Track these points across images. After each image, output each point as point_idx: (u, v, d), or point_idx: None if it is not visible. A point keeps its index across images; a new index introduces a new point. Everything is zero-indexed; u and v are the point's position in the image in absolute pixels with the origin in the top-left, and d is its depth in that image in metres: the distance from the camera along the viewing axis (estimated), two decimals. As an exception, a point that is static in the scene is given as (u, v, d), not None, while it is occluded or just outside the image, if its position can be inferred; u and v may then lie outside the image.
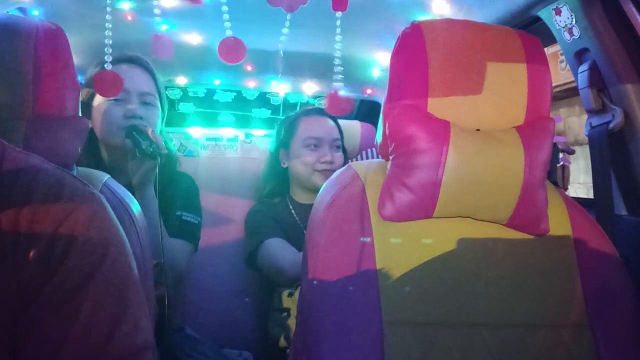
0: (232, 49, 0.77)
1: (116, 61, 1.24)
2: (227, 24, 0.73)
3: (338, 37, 0.72)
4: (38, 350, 0.54)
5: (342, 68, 0.74)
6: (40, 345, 0.54)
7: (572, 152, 1.23)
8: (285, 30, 0.72)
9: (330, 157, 1.49)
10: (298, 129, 1.55)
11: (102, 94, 1.12)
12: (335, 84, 0.76)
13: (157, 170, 1.14)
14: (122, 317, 0.58)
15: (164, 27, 1.41)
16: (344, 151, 1.65)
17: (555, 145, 1.17)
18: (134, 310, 0.60)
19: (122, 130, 1.19)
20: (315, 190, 1.45)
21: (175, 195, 1.31)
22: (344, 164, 1.56)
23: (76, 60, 0.89)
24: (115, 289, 0.59)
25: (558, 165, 1.20)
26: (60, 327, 0.55)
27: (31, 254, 0.55)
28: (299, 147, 1.53)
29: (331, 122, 1.58)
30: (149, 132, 1.17)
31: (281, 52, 0.73)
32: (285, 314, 1.33)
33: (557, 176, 1.13)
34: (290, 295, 1.32)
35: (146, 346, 0.60)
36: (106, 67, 0.84)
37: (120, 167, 1.23)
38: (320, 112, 1.61)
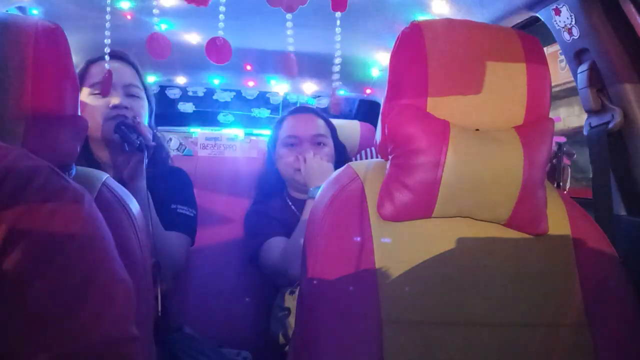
0: (220, 50, 0.77)
1: (98, 59, 1.25)
2: (221, 24, 0.73)
3: (338, 37, 0.72)
4: (16, 348, 0.54)
5: (339, 68, 0.75)
6: (18, 344, 0.54)
7: (572, 155, 1.23)
8: (289, 32, 0.72)
9: (310, 154, 1.48)
10: (280, 130, 1.56)
11: (103, 94, 1.13)
12: (335, 84, 0.77)
13: (147, 162, 1.15)
14: (103, 311, 0.58)
15: (163, 27, 1.41)
16: (342, 147, 1.65)
17: (560, 146, 1.17)
18: (116, 303, 0.60)
19: (108, 123, 1.20)
20: (305, 188, 1.45)
21: (169, 189, 1.31)
22: (343, 162, 1.56)
23: (75, 59, 0.89)
24: (97, 285, 0.59)
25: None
26: (36, 325, 0.55)
27: (14, 253, 0.54)
28: (280, 147, 1.54)
29: (315, 119, 1.56)
30: (137, 124, 1.18)
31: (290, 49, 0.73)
32: (286, 312, 1.33)
33: (561, 177, 1.14)
34: (292, 293, 1.32)
35: (129, 338, 0.60)
36: (106, 67, 0.84)
37: (110, 162, 1.24)
38: (305, 110, 1.61)
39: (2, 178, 0.57)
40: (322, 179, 1.39)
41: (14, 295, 0.55)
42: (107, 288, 0.61)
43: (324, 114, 1.62)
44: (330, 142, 1.56)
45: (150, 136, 1.20)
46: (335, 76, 0.75)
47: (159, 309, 1.01)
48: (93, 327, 0.57)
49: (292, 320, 1.31)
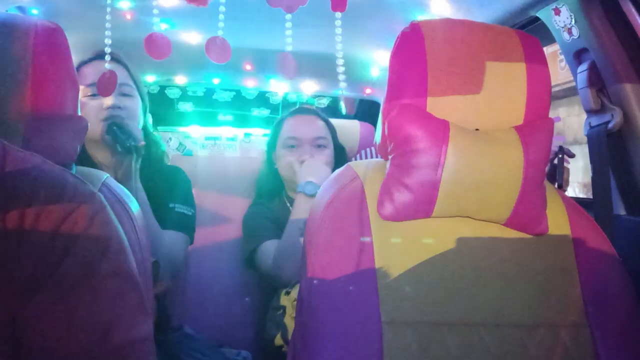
0: (219, 49, 0.77)
1: (88, 60, 1.26)
2: (221, 24, 0.73)
3: (338, 38, 0.71)
4: (38, 343, 0.56)
5: (343, 68, 0.75)
6: (39, 339, 0.56)
7: (572, 156, 1.23)
8: (288, 32, 0.72)
9: (309, 157, 1.48)
10: (281, 130, 1.56)
11: (106, 94, 1.13)
12: (342, 85, 0.77)
13: (139, 163, 1.17)
14: (120, 311, 0.60)
15: (163, 27, 1.41)
16: (341, 149, 1.64)
17: (561, 148, 1.18)
18: (132, 305, 0.62)
19: (102, 123, 1.21)
20: None
21: (168, 188, 1.32)
22: (342, 162, 1.56)
23: (75, 59, 0.89)
24: (114, 285, 0.61)
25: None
26: (59, 321, 0.56)
27: (34, 252, 0.56)
28: (280, 148, 1.54)
29: (316, 121, 1.56)
30: (126, 125, 1.19)
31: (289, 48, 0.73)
32: (281, 311, 1.33)
33: (561, 178, 1.14)
34: (287, 293, 1.32)
35: (143, 338, 0.62)
36: (106, 67, 0.84)
37: (105, 163, 1.24)
38: (306, 111, 1.60)
39: (35, 181, 0.59)
40: (315, 176, 1.39)
41: (60, 301, 0.57)
42: (131, 291, 0.63)
43: (324, 114, 1.62)
44: (330, 144, 1.56)
45: (140, 137, 1.20)
46: (341, 77, 0.75)
47: (159, 308, 1.01)
48: (127, 329, 0.60)
49: (287, 320, 1.31)
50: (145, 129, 1.31)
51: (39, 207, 0.58)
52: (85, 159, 1.23)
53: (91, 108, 1.22)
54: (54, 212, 0.58)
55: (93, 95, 1.22)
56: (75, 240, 0.58)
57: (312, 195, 1.37)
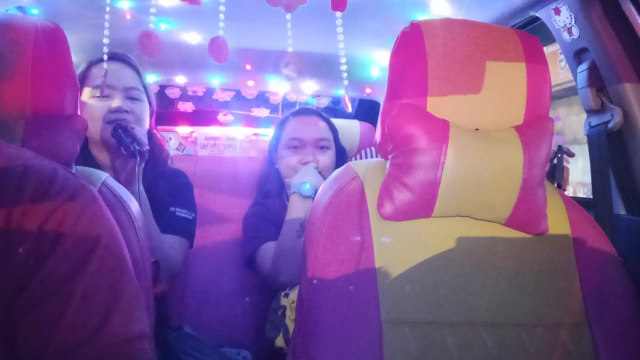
0: (220, 49, 0.78)
1: (99, 60, 1.26)
2: (221, 24, 0.73)
3: (340, 37, 0.71)
4: (30, 338, 0.55)
5: (345, 67, 0.75)
6: (32, 334, 0.56)
7: (571, 155, 1.23)
8: (289, 32, 0.72)
9: (312, 158, 1.48)
10: (284, 131, 1.55)
11: (100, 93, 1.14)
12: (345, 82, 0.76)
13: (142, 167, 1.17)
14: (114, 307, 0.59)
15: (163, 26, 1.41)
16: (342, 150, 1.64)
17: (560, 147, 1.18)
18: (127, 301, 0.61)
19: (108, 126, 1.20)
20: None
21: (169, 192, 1.31)
22: (341, 163, 1.56)
23: (75, 59, 0.89)
24: (106, 280, 0.60)
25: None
26: (51, 315, 0.56)
27: (21, 248, 0.56)
28: (283, 149, 1.53)
29: (318, 122, 1.56)
30: (131, 129, 1.19)
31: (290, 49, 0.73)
32: (281, 311, 1.33)
33: (561, 177, 1.14)
34: (286, 295, 1.32)
35: (140, 335, 0.61)
36: (104, 67, 0.84)
37: (108, 165, 1.24)
38: (308, 112, 1.60)
39: (22, 177, 0.59)
40: (308, 178, 1.40)
41: (54, 294, 0.56)
42: (126, 287, 0.62)
43: (326, 114, 1.62)
44: (332, 145, 1.56)
45: (145, 141, 1.20)
46: (344, 75, 0.75)
47: (159, 307, 1.01)
48: (121, 325, 0.59)
49: (287, 321, 1.31)
50: (150, 132, 1.31)
51: (26, 201, 0.57)
52: (88, 161, 1.23)
53: (98, 110, 1.22)
54: (41, 205, 0.58)
55: (102, 96, 1.22)
56: (62, 235, 0.57)
57: (307, 197, 1.38)
